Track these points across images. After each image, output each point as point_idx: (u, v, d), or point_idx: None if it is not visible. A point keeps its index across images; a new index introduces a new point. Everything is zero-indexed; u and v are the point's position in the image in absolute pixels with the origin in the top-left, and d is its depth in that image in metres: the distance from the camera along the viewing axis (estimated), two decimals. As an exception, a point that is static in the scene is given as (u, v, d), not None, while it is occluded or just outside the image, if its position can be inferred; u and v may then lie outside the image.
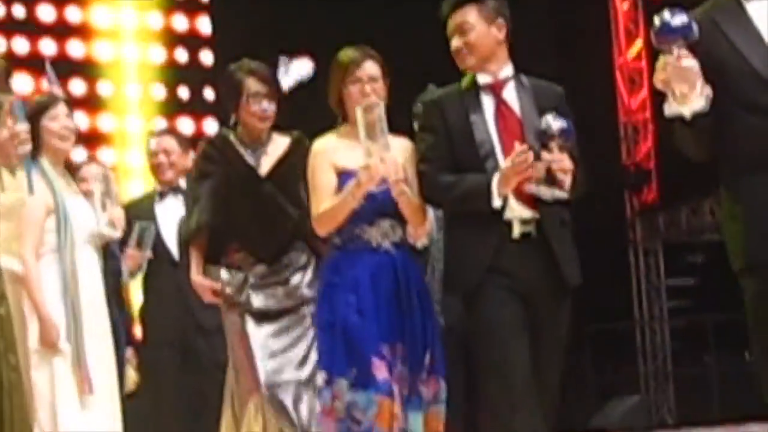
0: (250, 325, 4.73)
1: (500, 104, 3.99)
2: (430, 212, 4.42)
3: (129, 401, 5.30)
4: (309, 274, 4.79)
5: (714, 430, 9.48)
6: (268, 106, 4.73)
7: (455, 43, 4.00)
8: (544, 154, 3.80)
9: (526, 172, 3.76)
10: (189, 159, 5.65)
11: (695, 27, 3.13)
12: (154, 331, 5.67)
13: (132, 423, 4.86)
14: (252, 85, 4.71)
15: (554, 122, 3.85)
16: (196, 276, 4.79)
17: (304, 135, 4.74)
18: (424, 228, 4.29)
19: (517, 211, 3.83)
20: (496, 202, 3.80)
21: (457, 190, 3.90)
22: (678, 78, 3.11)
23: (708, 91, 3.17)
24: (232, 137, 4.81)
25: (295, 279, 4.77)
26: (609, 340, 10.99)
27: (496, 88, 4.02)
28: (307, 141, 4.61)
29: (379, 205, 4.06)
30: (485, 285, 3.84)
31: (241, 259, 4.77)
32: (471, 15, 3.98)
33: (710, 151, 3.35)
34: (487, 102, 4.00)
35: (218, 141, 4.87)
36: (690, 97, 3.14)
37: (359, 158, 3.96)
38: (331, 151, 4.14)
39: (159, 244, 5.57)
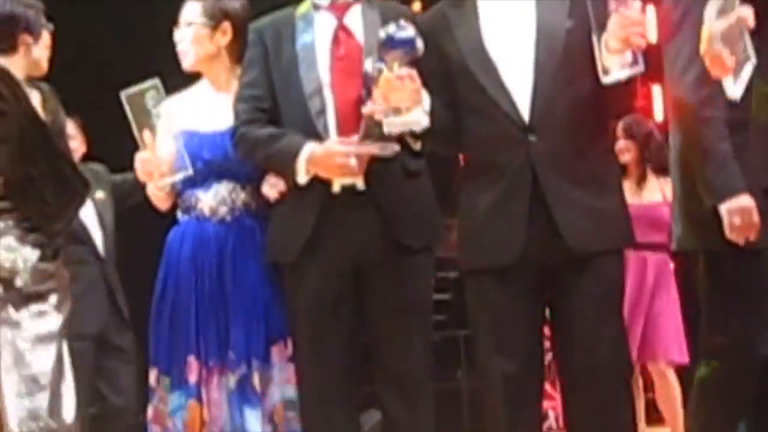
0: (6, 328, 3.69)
1: (340, 30, 3.42)
2: None
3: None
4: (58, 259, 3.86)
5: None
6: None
7: None
8: (366, 105, 3.24)
9: (348, 167, 3.26)
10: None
11: (419, 42, 3.10)
12: (76, 323, 4.80)
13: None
14: (43, 18, 3.94)
15: (377, 63, 3.21)
16: None
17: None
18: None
19: None
20: (301, 178, 3.32)
21: (264, 150, 3.39)
22: (397, 94, 3.06)
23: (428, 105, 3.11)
24: (14, 72, 3.79)
25: (58, 262, 3.83)
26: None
27: (338, 10, 3.45)
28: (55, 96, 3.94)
29: (216, 167, 3.58)
30: (304, 261, 3.38)
31: (14, 224, 3.75)
32: None
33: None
34: (325, 27, 3.43)
35: (4, 75, 3.76)
36: (410, 113, 3.09)
37: (205, 114, 3.64)
38: (173, 113, 3.66)
39: (80, 232, 5.30)
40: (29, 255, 3.76)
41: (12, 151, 3.78)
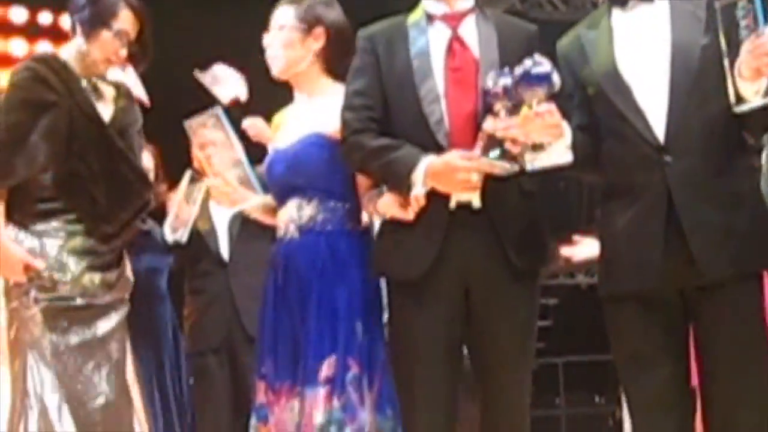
0: (50, 335, 3.49)
1: (454, 41, 3.29)
2: None
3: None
4: (127, 267, 3.75)
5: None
6: (124, 53, 3.74)
7: None
8: (487, 121, 3.15)
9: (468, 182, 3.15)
10: None
11: (556, 77, 3.06)
12: (201, 337, 5.19)
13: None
14: (127, 20, 3.72)
15: (499, 79, 3.14)
16: (6, 240, 3.49)
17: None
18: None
19: None
20: (418, 190, 3.15)
21: (378, 161, 3.26)
22: (538, 130, 3.05)
23: (570, 140, 3.11)
24: (72, 65, 3.71)
25: (121, 269, 3.71)
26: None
27: (452, 21, 3.32)
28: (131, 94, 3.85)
29: (284, 184, 3.49)
30: (427, 277, 3.20)
31: (60, 227, 3.58)
32: None
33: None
34: (438, 37, 3.30)
35: (57, 66, 3.66)
36: (552, 148, 3.08)
37: (285, 130, 3.61)
38: (274, 127, 3.72)
39: (211, 243, 5.22)
40: (72, 265, 3.56)
41: (55, 148, 3.54)
